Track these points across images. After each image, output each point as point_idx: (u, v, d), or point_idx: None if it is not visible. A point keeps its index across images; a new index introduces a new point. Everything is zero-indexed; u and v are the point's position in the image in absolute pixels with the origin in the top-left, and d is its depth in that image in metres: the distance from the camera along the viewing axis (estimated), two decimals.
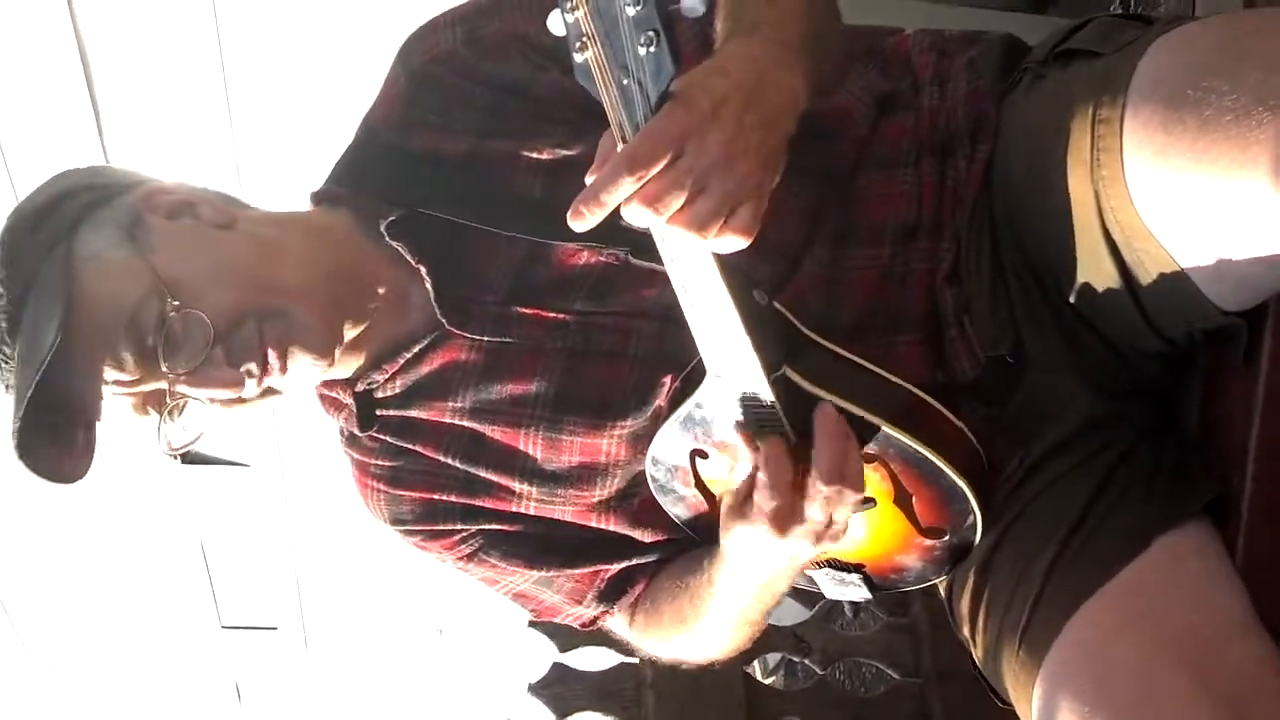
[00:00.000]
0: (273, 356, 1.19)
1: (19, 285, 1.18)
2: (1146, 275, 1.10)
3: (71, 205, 1.22)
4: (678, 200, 0.91)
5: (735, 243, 0.95)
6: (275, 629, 4.43)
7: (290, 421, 3.32)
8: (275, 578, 4.16)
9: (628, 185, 0.90)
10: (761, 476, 1.10)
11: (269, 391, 1.22)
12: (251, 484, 3.73)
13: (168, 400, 1.19)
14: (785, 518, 1.10)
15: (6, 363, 1.19)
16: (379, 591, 4.15)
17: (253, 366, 1.19)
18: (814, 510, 1.09)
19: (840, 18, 1.24)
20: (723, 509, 1.16)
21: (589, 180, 0.92)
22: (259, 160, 2.43)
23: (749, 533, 1.13)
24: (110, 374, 1.18)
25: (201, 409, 1.21)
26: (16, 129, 2.40)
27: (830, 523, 1.10)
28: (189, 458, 3.73)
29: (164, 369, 1.16)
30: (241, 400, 1.22)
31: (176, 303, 1.15)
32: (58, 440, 1.20)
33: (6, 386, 1.19)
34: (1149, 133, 1.05)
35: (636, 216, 0.92)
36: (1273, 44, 1.01)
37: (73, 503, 3.72)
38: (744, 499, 1.12)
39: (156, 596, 4.26)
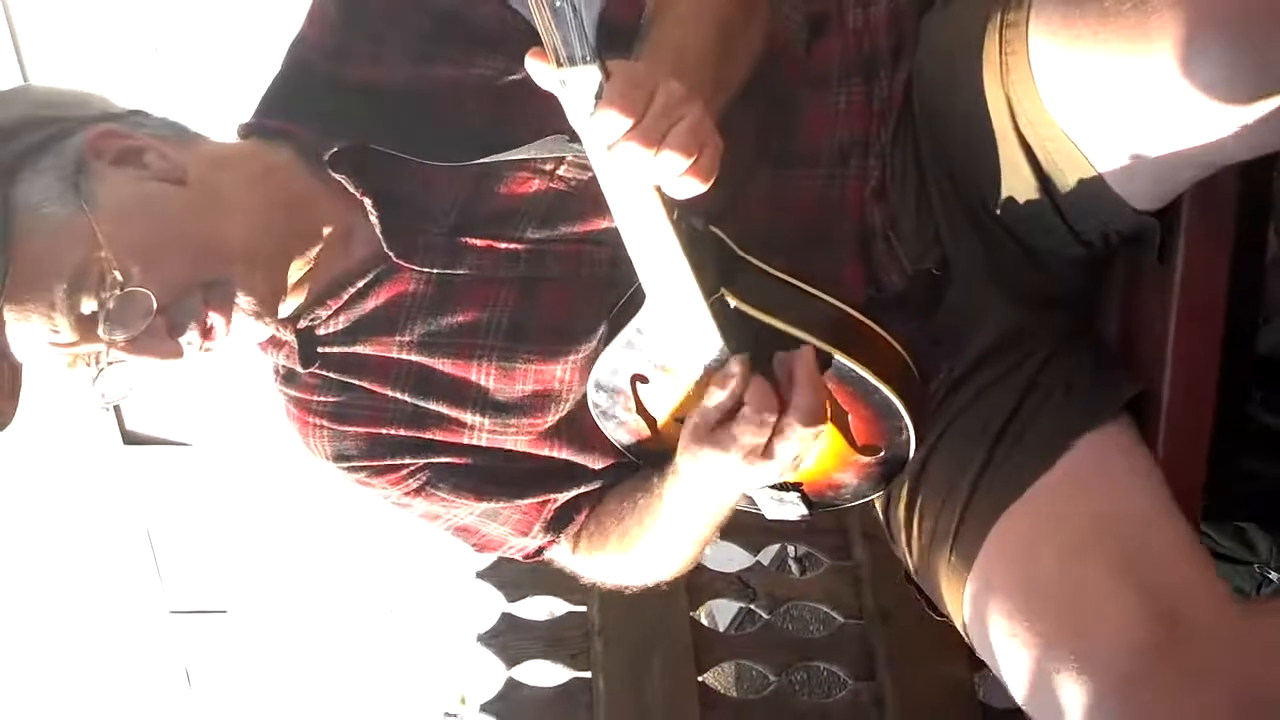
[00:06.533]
0: (218, 322, 1.17)
1: None
2: (1062, 177, 1.13)
3: (14, 146, 1.17)
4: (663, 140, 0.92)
5: (695, 186, 0.97)
6: (225, 612, 4.40)
7: (231, 399, 3.29)
8: (224, 561, 4.13)
9: (623, 125, 0.91)
10: (747, 410, 1.10)
11: (209, 349, 1.20)
12: (196, 464, 3.70)
13: (102, 360, 1.15)
14: (761, 452, 1.11)
15: None
16: (330, 573, 4.14)
17: (194, 335, 1.16)
18: (787, 448, 1.10)
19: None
20: (688, 430, 1.14)
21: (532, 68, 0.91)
22: (182, 86, 2.36)
23: (717, 458, 1.12)
24: (43, 333, 1.14)
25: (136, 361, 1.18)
26: None
27: (797, 459, 1.12)
28: (130, 438, 3.69)
29: (102, 337, 1.13)
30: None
31: (120, 279, 1.12)
32: None
33: None
34: (1052, 30, 1.08)
35: (630, 156, 0.92)
36: None
37: (11, 488, 3.67)
38: (715, 424, 1.12)
39: (103, 583, 4.22)
